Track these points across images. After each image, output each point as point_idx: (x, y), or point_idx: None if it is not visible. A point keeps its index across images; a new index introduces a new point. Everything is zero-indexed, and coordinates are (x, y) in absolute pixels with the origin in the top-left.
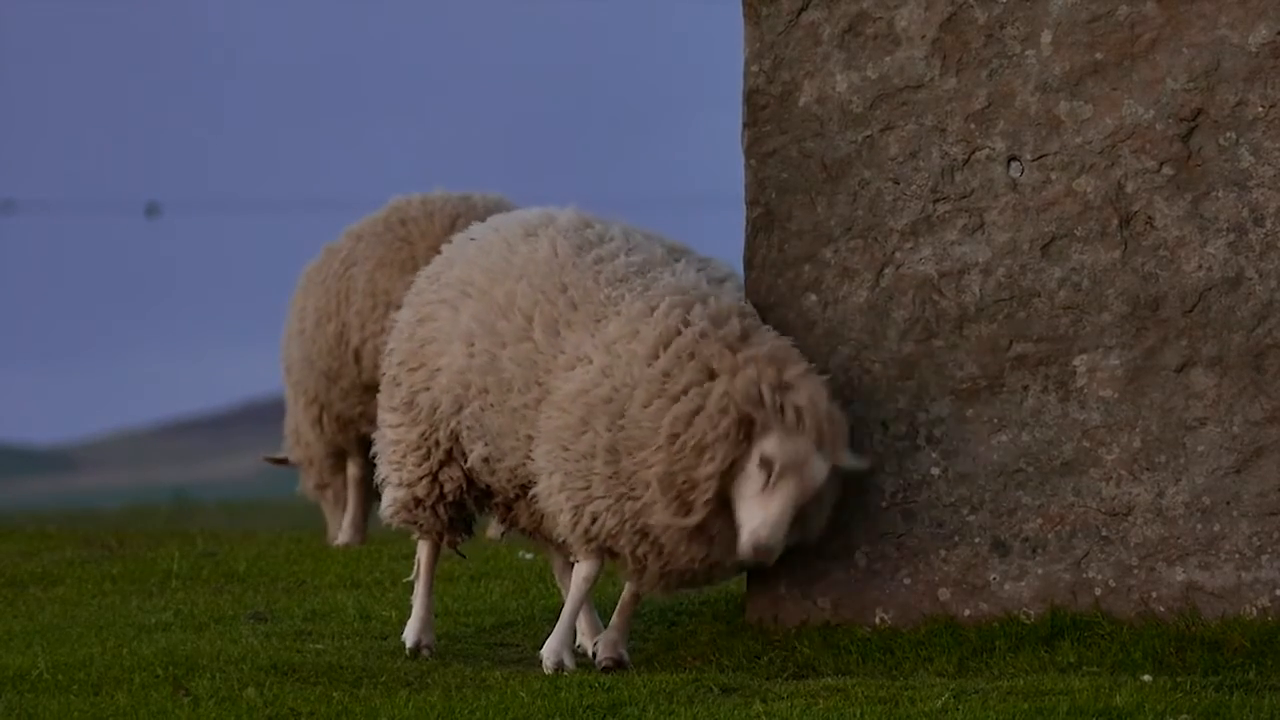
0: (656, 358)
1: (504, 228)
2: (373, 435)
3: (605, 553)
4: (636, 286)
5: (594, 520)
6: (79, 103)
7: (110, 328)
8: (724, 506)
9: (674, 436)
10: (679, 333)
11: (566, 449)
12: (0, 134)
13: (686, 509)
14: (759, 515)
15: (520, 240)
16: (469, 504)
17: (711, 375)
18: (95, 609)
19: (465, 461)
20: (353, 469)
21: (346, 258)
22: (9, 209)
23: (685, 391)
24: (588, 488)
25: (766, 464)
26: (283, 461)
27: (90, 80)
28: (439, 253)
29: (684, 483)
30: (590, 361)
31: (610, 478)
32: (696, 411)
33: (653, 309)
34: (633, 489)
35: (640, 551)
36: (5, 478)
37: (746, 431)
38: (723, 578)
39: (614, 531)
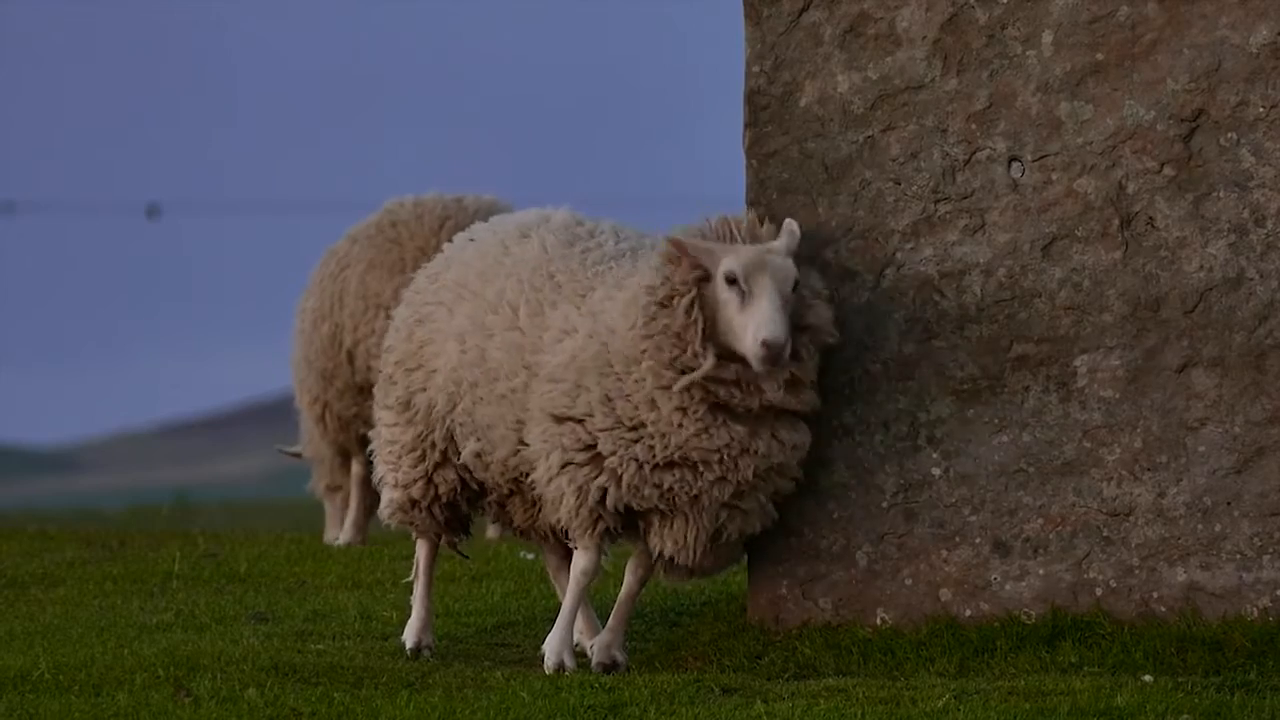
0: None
1: (501, 229)
2: (370, 435)
3: (612, 535)
4: (625, 263)
5: (603, 495)
6: (80, 103)
7: (111, 328)
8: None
9: (650, 319)
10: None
11: (561, 420)
12: (0, 135)
13: (692, 364)
14: (752, 321)
15: (515, 242)
16: (463, 505)
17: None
18: (96, 609)
19: (459, 460)
20: (356, 467)
21: (342, 259)
22: (9, 210)
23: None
24: (591, 457)
25: (731, 278)
26: (297, 455)
27: (92, 81)
28: (427, 254)
29: (675, 349)
30: (577, 331)
31: (613, 429)
32: (658, 285)
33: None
34: (635, 424)
35: (669, 486)
36: (7, 478)
37: (703, 276)
38: (747, 527)
39: (635, 484)
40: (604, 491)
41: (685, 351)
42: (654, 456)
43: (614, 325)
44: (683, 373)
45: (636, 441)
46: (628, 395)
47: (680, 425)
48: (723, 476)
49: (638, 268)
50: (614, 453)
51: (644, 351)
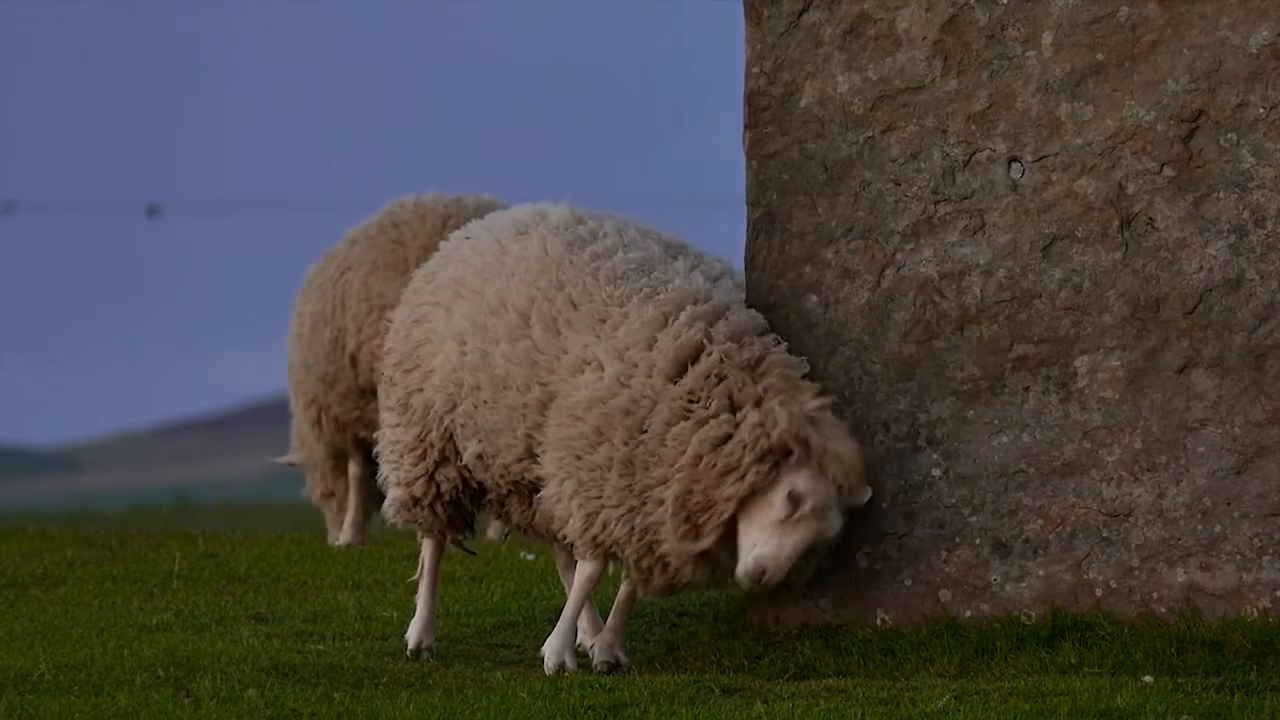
0: (681, 375)
1: (496, 226)
2: (373, 436)
3: (611, 556)
4: (641, 286)
5: (604, 527)
6: (80, 103)
7: (111, 328)
8: (732, 533)
9: (698, 458)
10: (702, 348)
11: (580, 458)
12: (0, 134)
13: (696, 533)
14: (771, 544)
15: (511, 239)
16: (466, 503)
17: (733, 405)
18: (96, 610)
19: (460, 460)
20: (354, 468)
21: (342, 262)
22: (9, 210)
23: (715, 416)
24: (600, 495)
25: (795, 500)
26: (290, 464)
27: (92, 80)
28: (430, 254)
29: (699, 504)
30: (601, 367)
31: (624, 489)
32: (727, 437)
33: (666, 316)
34: (644, 503)
35: (645, 564)
36: (7, 478)
37: (776, 461)
38: (729, 586)
39: (621, 541)
40: (606, 525)
41: (709, 511)
42: (646, 536)
43: (654, 396)
44: (691, 517)
45: (639, 513)
46: (650, 471)
47: (681, 540)
48: (718, 583)
49: (673, 327)
50: (616, 507)
51: (677, 480)
